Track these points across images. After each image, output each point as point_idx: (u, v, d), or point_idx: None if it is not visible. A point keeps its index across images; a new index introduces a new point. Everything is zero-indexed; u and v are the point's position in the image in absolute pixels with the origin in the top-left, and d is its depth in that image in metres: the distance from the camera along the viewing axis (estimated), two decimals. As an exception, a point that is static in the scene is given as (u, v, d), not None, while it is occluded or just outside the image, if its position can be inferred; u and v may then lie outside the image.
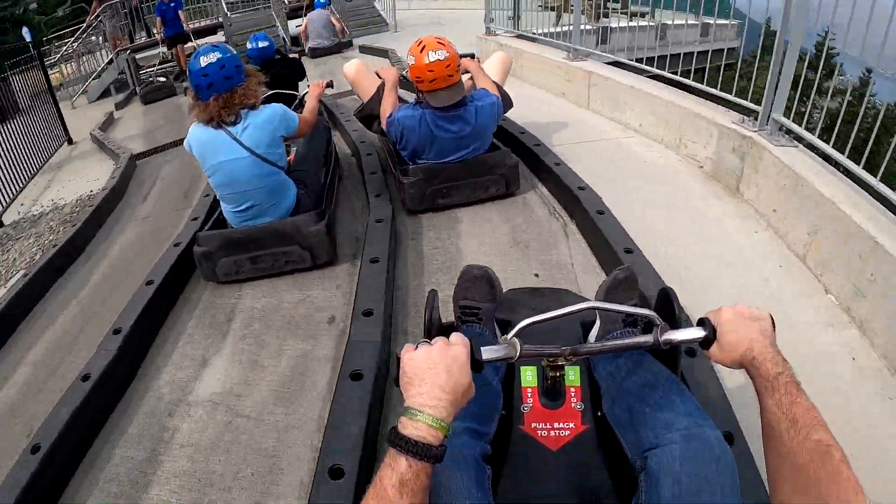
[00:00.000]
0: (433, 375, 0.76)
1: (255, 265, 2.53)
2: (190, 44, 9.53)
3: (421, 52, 2.68)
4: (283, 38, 9.59)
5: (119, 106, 8.16)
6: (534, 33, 5.76)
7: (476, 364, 0.81)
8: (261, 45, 4.64)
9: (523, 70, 5.40)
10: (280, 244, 2.49)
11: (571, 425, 1.08)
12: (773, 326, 0.88)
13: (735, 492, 0.86)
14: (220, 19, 9.90)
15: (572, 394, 1.11)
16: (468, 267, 1.38)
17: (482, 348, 0.85)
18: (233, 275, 2.54)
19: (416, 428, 0.72)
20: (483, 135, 2.86)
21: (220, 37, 10.10)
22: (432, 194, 2.88)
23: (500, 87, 3.04)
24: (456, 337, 0.82)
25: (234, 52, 2.40)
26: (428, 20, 10.15)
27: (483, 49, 6.29)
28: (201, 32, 10.06)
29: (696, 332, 0.90)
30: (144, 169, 5.11)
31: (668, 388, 1.03)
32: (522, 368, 1.14)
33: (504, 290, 1.45)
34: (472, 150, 2.85)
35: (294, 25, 9.56)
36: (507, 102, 3.05)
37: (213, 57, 2.31)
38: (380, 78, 3.09)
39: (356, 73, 3.29)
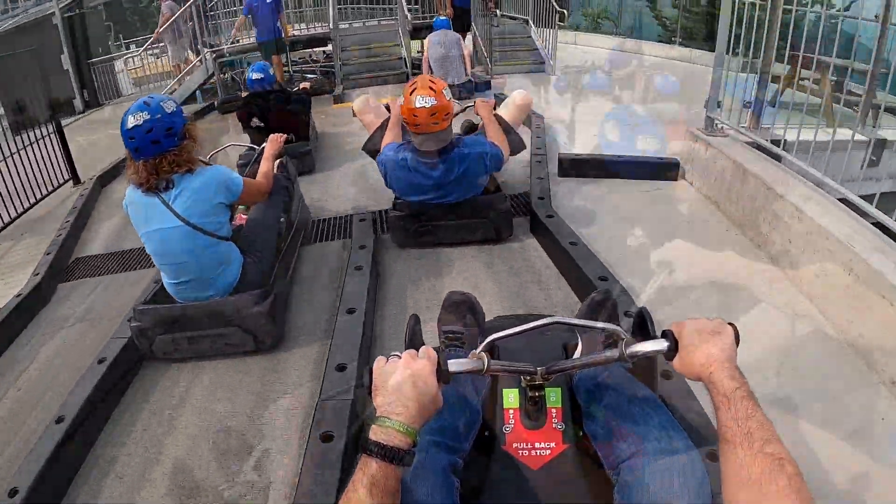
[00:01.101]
0: (399, 386, 0.88)
1: (193, 346, 2.40)
2: (295, 53, 7.63)
3: (411, 93, 2.80)
4: (405, 61, 7.46)
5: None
6: (784, 142, 3.03)
7: (443, 375, 0.94)
8: (254, 76, 4.50)
9: (800, 259, 2.55)
10: (218, 325, 2.34)
11: (552, 445, 1.15)
12: (737, 340, 0.96)
13: (704, 501, 0.95)
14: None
15: (553, 415, 1.18)
16: (450, 293, 1.57)
17: (450, 361, 0.97)
18: (171, 353, 2.42)
19: (385, 433, 0.84)
20: (466, 182, 2.96)
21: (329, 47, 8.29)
22: (416, 231, 3.06)
23: (510, 133, 3.14)
24: (424, 350, 0.95)
25: (170, 110, 2.20)
26: (594, 65, 7.55)
27: (697, 158, 3.50)
28: (309, 42, 8.25)
29: (659, 345, 0.99)
30: (64, 302, 3.03)
31: (644, 404, 1.14)
32: (505, 391, 1.22)
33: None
34: (454, 197, 2.99)
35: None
36: (515, 146, 3.19)
37: (140, 118, 2.14)
38: (388, 111, 3.32)
39: (361, 107, 3.47)
